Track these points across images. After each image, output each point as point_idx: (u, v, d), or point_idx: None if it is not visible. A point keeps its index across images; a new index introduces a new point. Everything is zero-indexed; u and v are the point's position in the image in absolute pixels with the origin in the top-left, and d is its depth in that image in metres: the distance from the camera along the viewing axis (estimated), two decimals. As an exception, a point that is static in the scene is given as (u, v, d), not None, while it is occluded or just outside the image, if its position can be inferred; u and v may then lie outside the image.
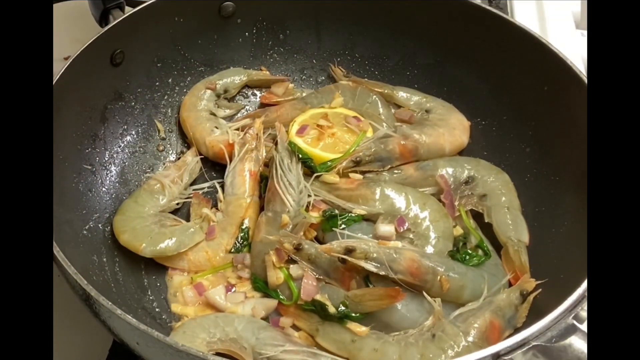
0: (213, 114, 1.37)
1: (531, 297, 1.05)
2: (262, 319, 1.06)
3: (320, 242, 1.12)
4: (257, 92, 1.47)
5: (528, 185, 1.23)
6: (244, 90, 1.46)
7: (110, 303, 0.87)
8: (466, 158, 1.28)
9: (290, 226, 1.12)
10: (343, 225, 1.13)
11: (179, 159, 1.33)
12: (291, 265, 1.08)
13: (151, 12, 1.27)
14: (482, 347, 0.94)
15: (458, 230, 1.16)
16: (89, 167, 1.21)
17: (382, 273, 1.02)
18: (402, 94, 1.38)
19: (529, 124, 1.27)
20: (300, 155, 1.19)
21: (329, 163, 1.21)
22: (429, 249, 1.11)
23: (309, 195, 1.17)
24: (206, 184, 1.29)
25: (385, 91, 1.38)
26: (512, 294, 1.05)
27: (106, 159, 1.26)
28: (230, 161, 1.25)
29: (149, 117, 1.35)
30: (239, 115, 1.43)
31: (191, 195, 1.25)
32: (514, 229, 1.15)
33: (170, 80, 1.39)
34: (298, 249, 1.07)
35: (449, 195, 1.19)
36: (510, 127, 1.30)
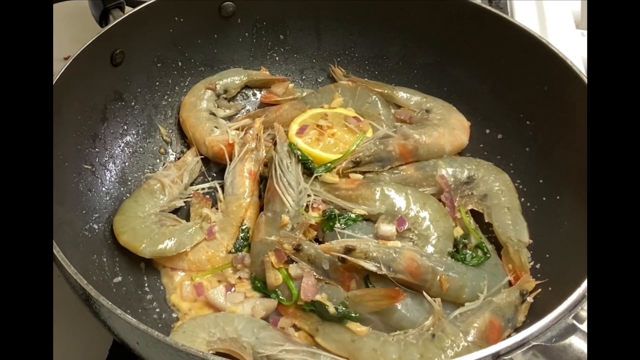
0: (213, 114, 1.37)
1: (531, 297, 1.05)
2: (262, 319, 1.06)
3: (320, 243, 1.12)
4: (257, 92, 1.47)
5: (528, 185, 1.23)
6: (244, 91, 1.46)
7: (110, 303, 0.87)
8: (466, 158, 1.28)
9: (290, 226, 1.12)
10: (343, 225, 1.13)
11: (179, 159, 1.33)
12: (290, 265, 1.08)
13: (151, 12, 1.27)
14: (482, 347, 0.94)
15: (458, 231, 1.16)
16: (89, 167, 1.21)
17: (382, 272, 1.02)
18: (402, 94, 1.38)
19: (529, 124, 1.27)
20: (299, 156, 1.19)
21: (329, 164, 1.21)
22: (429, 249, 1.11)
23: (309, 195, 1.17)
24: (206, 184, 1.29)
25: (385, 91, 1.38)
26: (512, 294, 1.05)
27: (106, 159, 1.26)
28: (230, 161, 1.25)
29: (149, 117, 1.35)
30: (239, 115, 1.44)
31: (191, 195, 1.25)
32: (514, 229, 1.15)
33: (170, 80, 1.39)
34: (298, 249, 1.07)
35: (449, 195, 1.19)
36: (510, 127, 1.30)
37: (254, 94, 1.47)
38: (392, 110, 1.36)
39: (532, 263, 1.13)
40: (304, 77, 1.48)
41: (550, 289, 1.06)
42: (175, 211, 1.25)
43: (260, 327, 1.02)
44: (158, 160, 1.35)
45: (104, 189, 1.23)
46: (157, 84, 1.37)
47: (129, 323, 0.85)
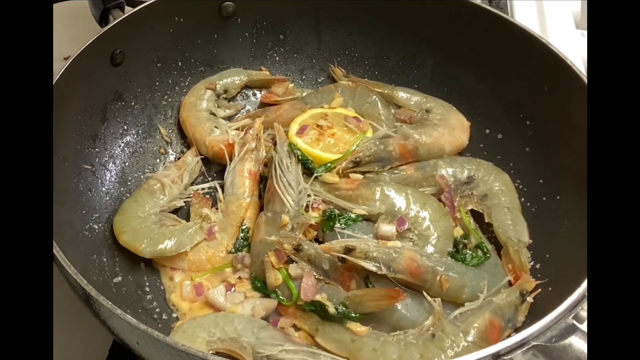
0: (213, 114, 1.37)
1: (531, 297, 1.05)
2: (262, 319, 1.06)
3: (320, 243, 1.12)
4: (257, 92, 1.47)
5: (528, 185, 1.23)
6: (244, 91, 1.46)
7: (110, 303, 0.87)
8: (466, 158, 1.28)
9: (290, 226, 1.12)
10: (343, 225, 1.13)
11: (179, 159, 1.33)
12: (290, 265, 1.08)
13: (151, 12, 1.27)
14: (482, 347, 0.94)
15: (458, 231, 1.16)
16: (89, 167, 1.21)
17: (382, 272, 1.02)
18: (402, 94, 1.38)
19: (529, 124, 1.27)
20: (299, 156, 1.19)
21: (329, 164, 1.21)
22: (429, 249, 1.11)
23: (309, 195, 1.17)
24: (206, 184, 1.29)
25: (385, 91, 1.38)
26: (512, 294, 1.05)
27: (106, 159, 1.26)
28: (230, 161, 1.25)
29: (149, 117, 1.35)
30: (239, 115, 1.44)
31: (191, 195, 1.25)
32: (514, 229, 1.15)
33: (170, 80, 1.39)
34: (298, 249, 1.07)
35: (449, 195, 1.19)
36: (510, 127, 1.30)
37: (254, 94, 1.47)
38: (392, 110, 1.36)
39: (532, 263, 1.13)
40: (304, 77, 1.48)
41: (550, 289, 1.06)
42: (175, 211, 1.25)
43: (260, 327, 1.02)
44: (158, 160, 1.35)
45: (104, 189, 1.23)
46: (157, 84, 1.37)
47: (129, 323, 0.85)
